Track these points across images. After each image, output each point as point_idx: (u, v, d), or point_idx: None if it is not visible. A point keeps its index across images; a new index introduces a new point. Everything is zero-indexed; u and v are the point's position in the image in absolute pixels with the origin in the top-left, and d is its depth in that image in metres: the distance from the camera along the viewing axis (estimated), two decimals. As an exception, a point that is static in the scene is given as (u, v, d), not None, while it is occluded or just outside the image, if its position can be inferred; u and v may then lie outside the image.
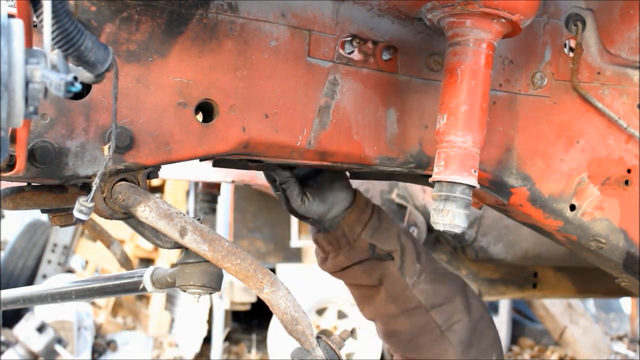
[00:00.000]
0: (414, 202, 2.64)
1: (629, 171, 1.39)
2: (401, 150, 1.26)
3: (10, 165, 0.97)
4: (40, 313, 4.35)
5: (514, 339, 5.80)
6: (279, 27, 1.14)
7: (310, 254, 5.73)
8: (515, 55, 1.31)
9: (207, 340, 5.99)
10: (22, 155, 0.92)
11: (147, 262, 6.65)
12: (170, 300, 6.60)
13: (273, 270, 2.86)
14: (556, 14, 1.33)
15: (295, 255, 6.16)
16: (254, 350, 6.16)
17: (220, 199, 3.98)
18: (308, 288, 5.04)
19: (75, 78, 0.69)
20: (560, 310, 5.25)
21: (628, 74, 1.38)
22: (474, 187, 1.08)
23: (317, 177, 1.57)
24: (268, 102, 1.14)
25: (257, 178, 2.58)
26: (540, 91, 1.33)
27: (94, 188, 1.01)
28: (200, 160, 1.19)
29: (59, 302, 1.56)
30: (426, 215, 2.63)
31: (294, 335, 1.15)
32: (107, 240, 1.96)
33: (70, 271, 6.49)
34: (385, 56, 1.23)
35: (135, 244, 6.52)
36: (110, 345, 5.87)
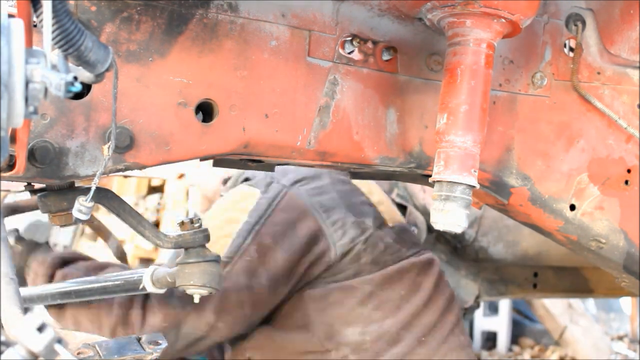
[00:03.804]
0: (414, 202, 2.64)
1: (629, 171, 1.39)
2: (401, 150, 1.26)
3: (10, 165, 0.97)
4: (41, 313, 4.35)
5: (514, 339, 5.79)
6: (279, 27, 1.14)
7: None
8: (515, 55, 1.31)
9: (207, 340, 5.98)
10: (22, 155, 0.92)
11: (147, 262, 6.64)
12: (170, 300, 6.59)
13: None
14: (556, 14, 1.33)
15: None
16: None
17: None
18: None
19: (75, 78, 0.69)
20: (560, 310, 5.24)
21: (628, 74, 1.38)
22: (474, 187, 1.08)
23: None
24: (268, 102, 1.14)
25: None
26: (540, 91, 1.33)
27: (93, 188, 1.01)
28: (201, 160, 1.19)
29: (59, 302, 1.56)
30: (426, 215, 2.62)
31: None
32: (105, 234, 1.97)
33: (70, 271, 6.49)
34: (386, 56, 1.23)
35: (135, 244, 6.51)
36: (110, 345, 5.86)
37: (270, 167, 1.38)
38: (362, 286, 1.83)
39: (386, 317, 1.83)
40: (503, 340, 5.59)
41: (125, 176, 4.64)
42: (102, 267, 1.71)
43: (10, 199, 1.60)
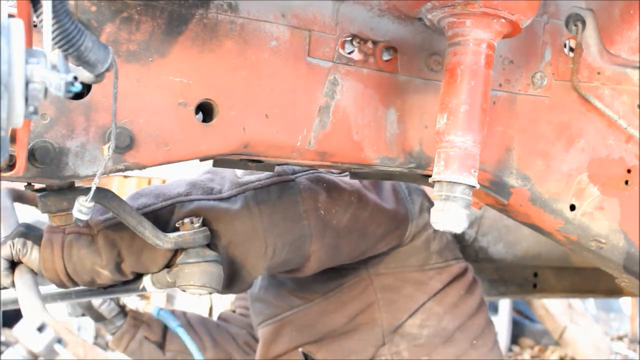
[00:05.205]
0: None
1: (629, 171, 1.39)
2: (401, 150, 1.26)
3: (10, 165, 0.97)
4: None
5: (514, 339, 5.79)
6: (279, 27, 1.14)
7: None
8: (515, 55, 1.31)
9: (207, 340, 5.97)
10: (22, 155, 0.92)
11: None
12: (170, 300, 6.60)
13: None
14: (556, 14, 1.33)
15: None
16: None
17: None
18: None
19: (75, 78, 0.69)
20: (560, 310, 5.23)
21: (628, 74, 1.38)
22: (474, 187, 1.08)
23: None
24: (268, 102, 1.14)
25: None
26: (540, 91, 1.33)
27: (93, 188, 1.01)
28: (200, 160, 1.19)
29: (59, 302, 1.56)
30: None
31: None
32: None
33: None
34: (386, 56, 1.23)
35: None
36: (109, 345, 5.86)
37: (270, 167, 1.38)
38: (433, 283, 1.82)
39: (446, 313, 1.82)
40: (503, 340, 5.59)
41: (125, 176, 4.64)
42: None
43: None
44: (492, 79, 1.12)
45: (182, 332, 1.87)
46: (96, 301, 1.85)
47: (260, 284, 1.96)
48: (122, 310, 1.91)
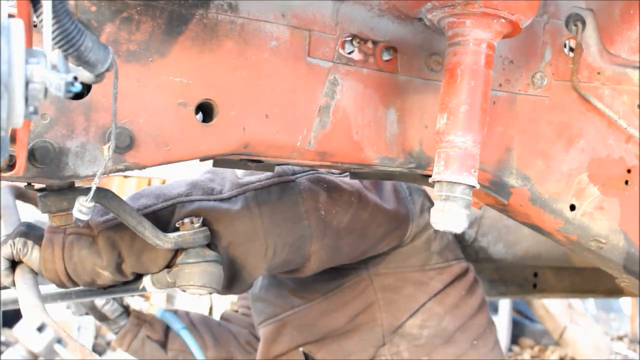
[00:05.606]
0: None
1: (629, 171, 1.39)
2: (401, 150, 1.26)
3: (10, 165, 0.97)
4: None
5: (514, 339, 5.79)
6: (279, 27, 1.14)
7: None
8: (515, 55, 1.31)
9: (207, 340, 5.97)
10: (22, 155, 0.92)
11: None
12: (170, 300, 6.60)
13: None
14: (556, 14, 1.33)
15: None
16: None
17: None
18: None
19: (75, 78, 0.69)
20: (560, 310, 5.24)
21: (628, 74, 1.38)
22: (474, 187, 1.08)
23: None
24: (268, 102, 1.14)
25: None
26: (540, 91, 1.33)
27: (93, 188, 1.01)
28: (200, 160, 1.19)
29: (59, 302, 1.56)
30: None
31: None
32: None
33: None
34: (386, 56, 1.23)
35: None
36: (111, 345, 5.87)
37: (270, 168, 1.38)
38: (434, 283, 1.82)
39: (446, 314, 1.82)
40: (503, 340, 5.59)
41: (125, 176, 4.65)
42: None
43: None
44: (492, 79, 1.12)
45: (185, 335, 1.87)
46: (99, 301, 1.85)
47: (261, 283, 1.96)
48: (126, 310, 1.91)
